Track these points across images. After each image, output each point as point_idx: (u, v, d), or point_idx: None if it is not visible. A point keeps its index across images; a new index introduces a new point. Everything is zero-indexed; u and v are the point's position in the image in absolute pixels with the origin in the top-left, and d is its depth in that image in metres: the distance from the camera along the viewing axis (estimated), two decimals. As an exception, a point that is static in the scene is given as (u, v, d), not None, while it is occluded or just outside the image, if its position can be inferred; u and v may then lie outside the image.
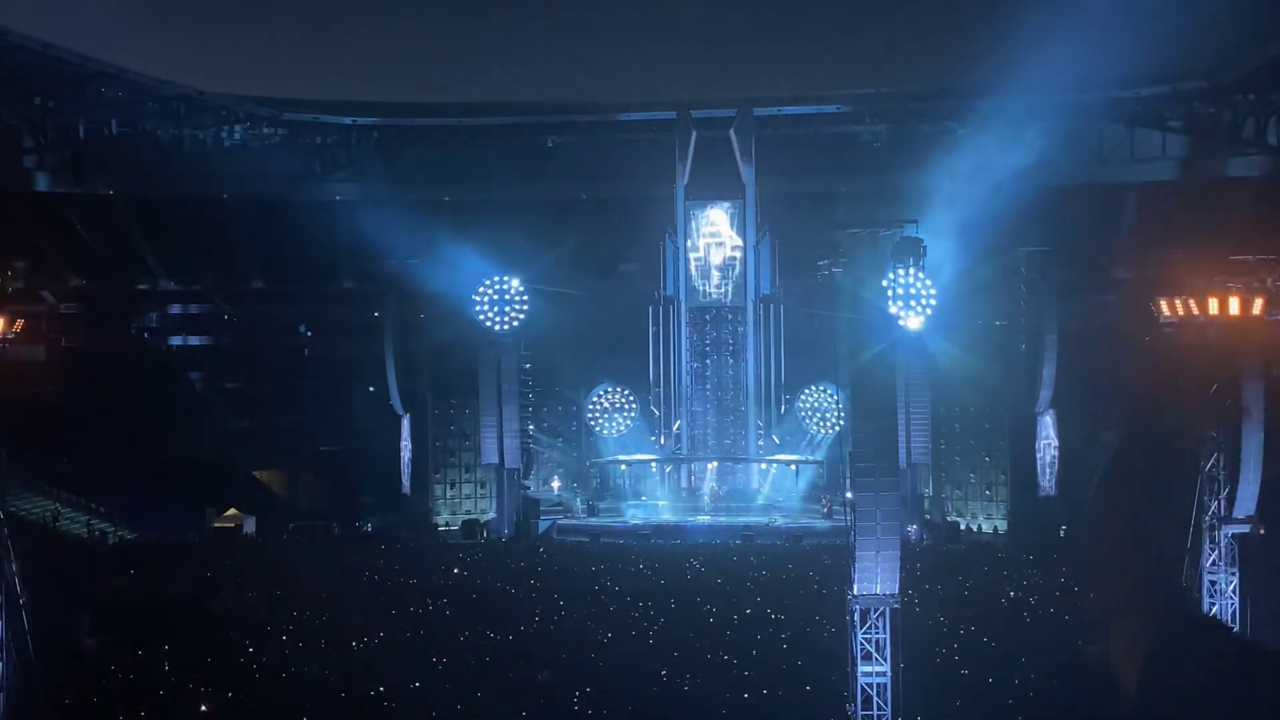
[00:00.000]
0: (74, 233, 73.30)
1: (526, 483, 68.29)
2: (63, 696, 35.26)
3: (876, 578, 30.14)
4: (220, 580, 49.16)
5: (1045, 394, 63.35)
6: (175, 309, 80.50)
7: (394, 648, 39.60)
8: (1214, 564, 37.27)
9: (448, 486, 67.76)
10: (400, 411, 69.09)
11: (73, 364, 73.68)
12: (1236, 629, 37.67)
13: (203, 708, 34.88)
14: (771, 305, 70.38)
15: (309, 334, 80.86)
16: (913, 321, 57.10)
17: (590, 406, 71.60)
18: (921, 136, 72.12)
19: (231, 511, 63.75)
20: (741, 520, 65.48)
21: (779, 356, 70.39)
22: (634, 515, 67.21)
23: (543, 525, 65.18)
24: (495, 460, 63.69)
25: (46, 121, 66.49)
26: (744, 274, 70.84)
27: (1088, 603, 42.51)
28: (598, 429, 71.58)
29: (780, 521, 64.99)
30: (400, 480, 69.10)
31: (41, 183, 69.94)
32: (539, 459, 71.89)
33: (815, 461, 69.22)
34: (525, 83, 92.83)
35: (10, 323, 68.97)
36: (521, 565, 52.60)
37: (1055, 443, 64.45)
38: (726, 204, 71.16)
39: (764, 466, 70.04)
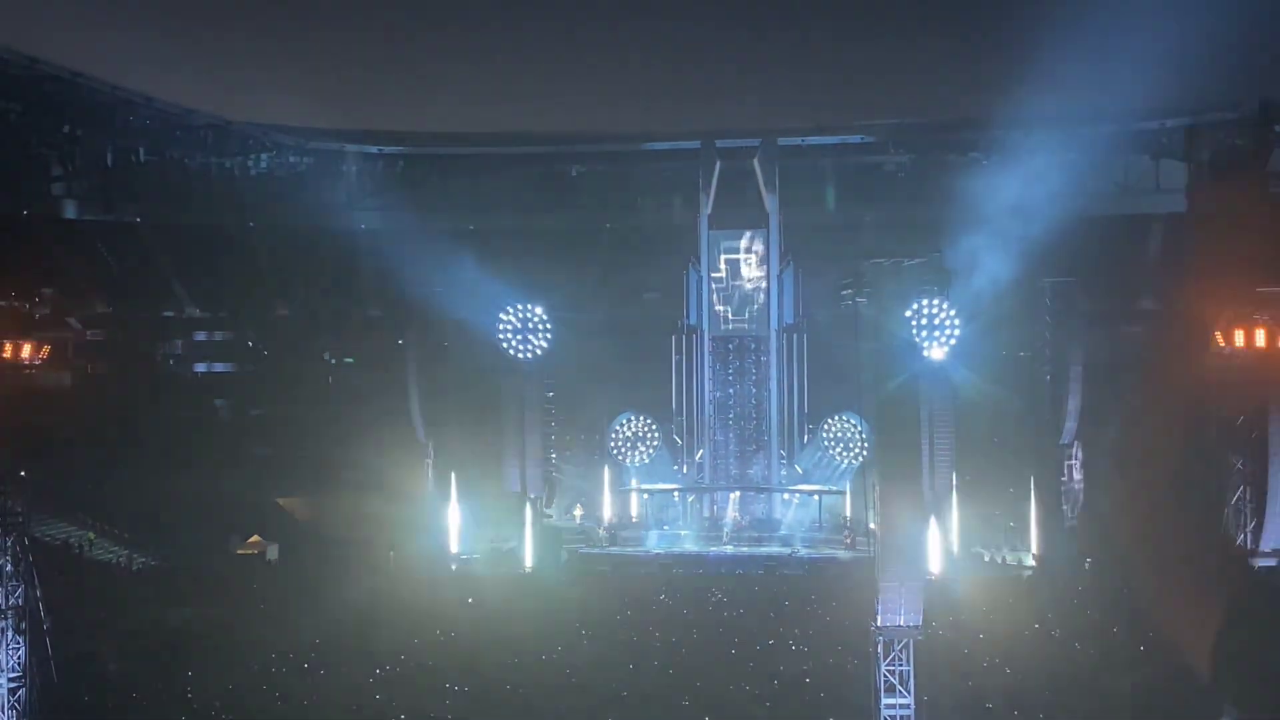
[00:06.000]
0: (101, 260, 73.71)
1: (549, 511, 68.15)
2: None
3: (900, 609, 29.95)
4: (244, 607, 49.25)
5: (1071, 425, 63.00)
6: (201, 336, 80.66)
7: (416, 674, 39.56)
8: (1241, 597, 36.94)
9: (470, 515, 67.69)
10: (423, 439, 69.11)
11: (98, 391, 74.00)
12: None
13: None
14: (795, 335, 70.24)
15: (333, 361, 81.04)
16: (937, 352, 57.03)
17: (613, 435, 71.37)
18: (946, 166, 72.15)
19: (255, 539, 63.82)
20: (764, 550, 65.17)
21: (802, 386, 70.15)
22: (656, 545, 66.97)
23: (564, 554, 65.04)
24: (518, 488, 63.67)
25: (75, 149, 67.05)
26: (767, 303, 70.74)
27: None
28: (620, 458, 71.38)
29: (803, 552, 64.71)
30: (422, 508, 69.06)
31: (70, 210, 70.40)
32: (561, 488, 71.72)
33: (838, 492, 68.93)
34: (549, 113, 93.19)
35: (37, 349, 69.65)
36: (543, 594, 52.53)
37: (1081, 474, 64.05)
38: (750, 233, 71.16)
39: (787, 496, 69.82)
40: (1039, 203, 64.84)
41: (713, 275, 70.97)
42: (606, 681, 38.81)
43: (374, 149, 76.81)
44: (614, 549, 66.60)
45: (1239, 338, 41.41)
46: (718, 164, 71.13)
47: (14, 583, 34.01)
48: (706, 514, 70.40)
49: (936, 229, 63.11)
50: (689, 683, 38.40)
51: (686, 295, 71.35)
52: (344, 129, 77.16)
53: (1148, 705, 36.55)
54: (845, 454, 69.41)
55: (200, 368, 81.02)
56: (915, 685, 30.17)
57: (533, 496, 63.82)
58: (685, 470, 71.03)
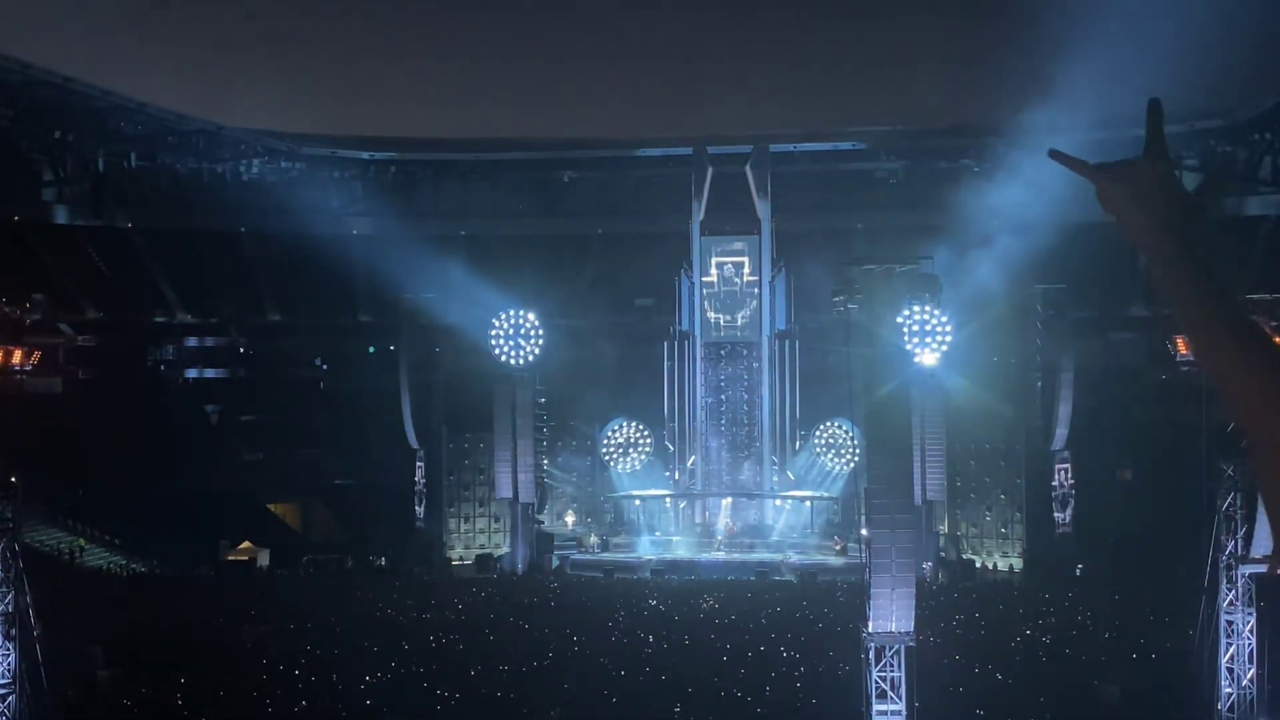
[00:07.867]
0: (92, 265, 73.68)
1: (540, 517, 68.11)
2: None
3: (891, 615, 29.96)
4: (233, 613, 49.16)
5: (1061, 431, 63.09)
6: (192, 342, 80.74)
7: (406, 681, 39.49)
8: (1231, 604, 36.90)
9: (461, 520, 67.67)
10: (415, 445, 69.07)
11: (89, 396, 73.94)
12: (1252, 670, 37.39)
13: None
14: (787, 341, 70.27)
15: (324, 367, 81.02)
16: (928, 358, 57.05)
17: (605, 441, 71.33)
18: (938, 173, 72.25)
19: (245, 544, 63.76)
20: (755, 557, 65.18)
21: (794, 392, 70.22)
22: (648, 551, 66.96)
23: (556, 560, 65.02)
24: (509, 494, 63.58)
25: (66, 154, 67.06)
26: (759, 310, 70.75)
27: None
28: (612, 464, 71.35)
29: (794, 558, 64.69)
30: (414, 514, 69.02)
31: (60, 215, 70.38)
32: (553, 494, 71.61)
33: (830, 498, 68.95)
34: (542, 118, 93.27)
35: (28, 354, 69.63)
36: (535, 600, 52.51)
37: (1071, 480, 64.14)
38: (742, 240, 71.15)
39: (778, 503, 69.82)
40: (1030, 209, 64.96)
41: (704, 281, 70.98)
42: (596, 688, 38.77)
43: (366, 155, 76.84)
44: (605, 555, 66.62)
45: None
46: (709, 170, 71.18)
47: (4, 589, 33.91)
48: (698, 520, 70.38)
49: (928, 235, 63.15)
50: (680, 689, 38.36)
51: (678, 301, 71.40)
52: (336, 135, 77.16)
53: (1138, 712, 36.55)
54: (837, 460, 69.41)
55: (191, 373, 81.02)
56: (906, 692, 30.15)
57: (524, 502, 63.74)
58: (677, 476, 71.01)
